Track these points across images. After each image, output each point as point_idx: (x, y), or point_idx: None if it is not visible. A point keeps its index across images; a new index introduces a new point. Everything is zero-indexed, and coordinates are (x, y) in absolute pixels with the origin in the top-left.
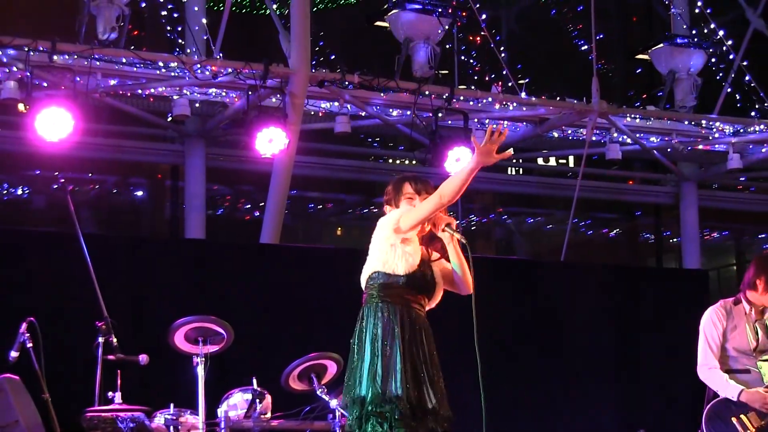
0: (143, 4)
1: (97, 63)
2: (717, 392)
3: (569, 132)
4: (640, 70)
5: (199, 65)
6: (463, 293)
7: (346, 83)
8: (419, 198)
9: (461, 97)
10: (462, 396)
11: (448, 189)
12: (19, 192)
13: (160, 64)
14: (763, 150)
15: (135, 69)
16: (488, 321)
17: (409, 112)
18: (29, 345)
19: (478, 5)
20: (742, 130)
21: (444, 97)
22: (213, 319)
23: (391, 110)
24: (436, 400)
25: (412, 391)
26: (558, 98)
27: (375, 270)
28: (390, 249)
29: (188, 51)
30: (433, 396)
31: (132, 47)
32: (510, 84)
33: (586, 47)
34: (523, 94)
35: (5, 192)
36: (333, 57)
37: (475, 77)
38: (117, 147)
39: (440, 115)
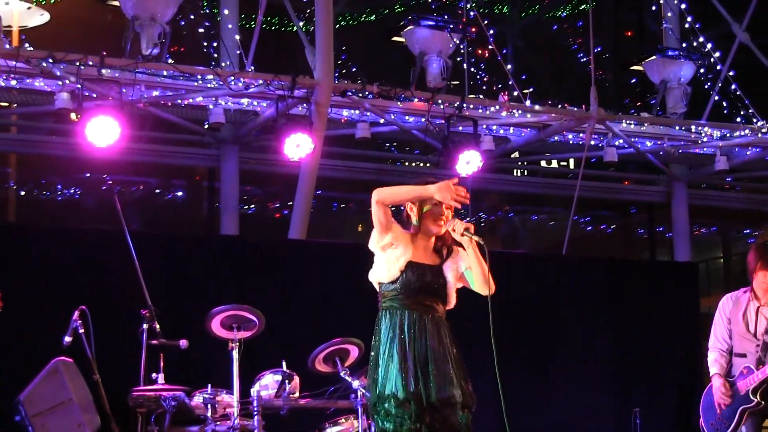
0: (183, 23)
1: (141, 76)
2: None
3: (570, 137)
4: (634, 80)
5: (232, 77)
6: (482, 293)
7: (366, 93)
8: (440, 204)
9: (471, 106)
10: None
11: (384, 192)
12: (71, 193)
13: (198, 76)
14: (748, 153)
15: (175, 81)
16: (496, 309)
17: (423, 119)
18: (81, 331)
19: (486, 21)
20: (728, 135)
21: (455, 105)
22: (246, 308)
23: (407, 117)
24: (443, 392)
25: (411, 387)
26: (559, 106)
27: (373, 281)
28: (377, 261)
29: (223, 64)
30: (440, 389)
31: (172, 61)
32: (515, 93)
33: (584, 59)
34: (527, 103)
35: (59, 193)
36: (354, 69)
37: (484, 87)
38: (159, 152)
39: (452, 121)
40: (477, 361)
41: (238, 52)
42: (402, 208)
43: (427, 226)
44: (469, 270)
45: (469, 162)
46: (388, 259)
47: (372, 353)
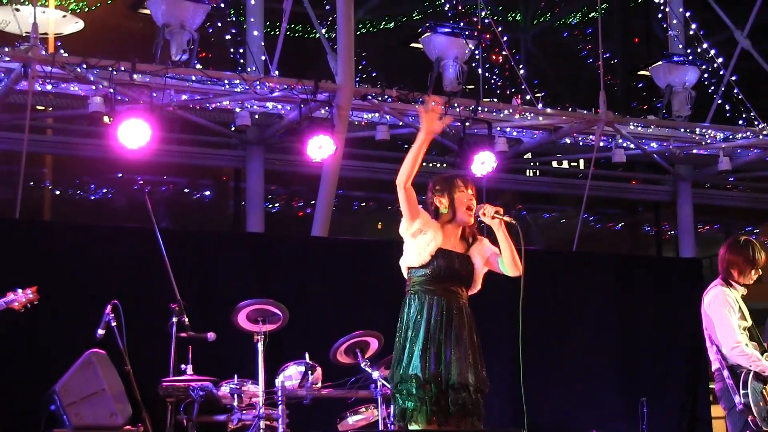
0: (210, 30)
1: (171, 81)
2: (749, 367)
3: (580, 138)
4: (641, 85)
5: (258, 82)
6: (511, 275)
7: (386, 97)
8: (466, 190)
9: (485, 109)
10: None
11: (401, 173)
12: (104, 192)
13: (225, 81)
14: (750, 154)
15: (203, 85)
16: (510, 303)
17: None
18: (113, 324)
19: (500, 28)
20: (731, 137)
21: (470, 108)
22: (271, 302)
23: None
24: (461, 376)
25: (431, 370)
26: (570, 109)
27: (403, 266)
28: (407, 247)
29: (249, 70)
30: (459, 372)
31: (201, 67)
32: (528, 97)
33: (594, 64)
34: (539, 106)
35: (92, 192)
36: (374, 74)
37: (498, 91)
38: (187, 153)
39: (467, 124)
40: (493, 347)
41: (263, 57)
42: (429, 203)
43: (459, 213)
44: (496, 255)
45: (483, 162)
46: (419, 244)
47: (398, 334)
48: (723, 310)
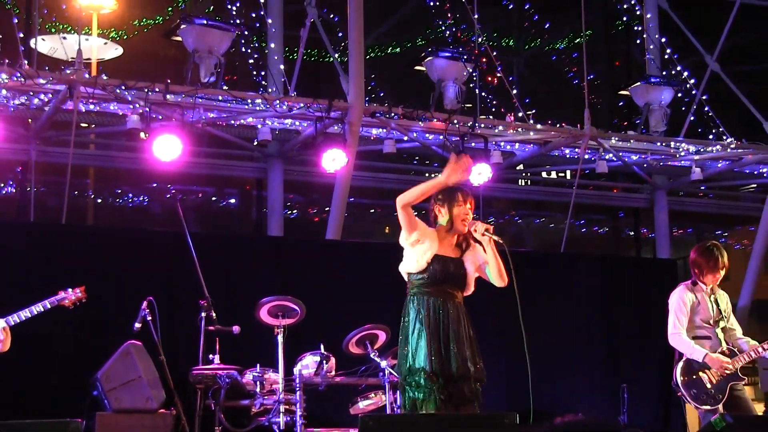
0: (235, 55)
1: (200, 100)
2: (684, 354)
3: (567, 151)
4: (622, 103)
5: (278, 101)
6: (497, 285)
7: (393, 114)
8: (465, 204)
9: (482, 125)
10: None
11: (405, 195)
12: (141, 200)
13: (248, 100)
14: (719, 165)
15: (229, 104)
16: (503, 300)
17: (441, 137)
18: (149, 318)
19: (495, 53)
20: (702, 150)
21: (468, 124)
22: (290, 298)
23: (427, 135)
24: (461, 367)
25: (436, 362)
26: (558, 125)
27: (403, 271)
28: (406, 254)
29: (270, 90)
30: (459, 364)
31: (226, 88)
32: (520, 114)
33: (579, 85)
34: (530, 122)
35: (130, 200)
36: (382, 94)
37: (493, 109)
38: (215, 165)
39: (466, 138)
40: (489, 344)
41: (282, 79)
42: (430, 209)
43: (456, 224)
44: (486, 264)
45: (480, 173)
46: (417, 253)
47: (401, 332)
48: (672, 305)
